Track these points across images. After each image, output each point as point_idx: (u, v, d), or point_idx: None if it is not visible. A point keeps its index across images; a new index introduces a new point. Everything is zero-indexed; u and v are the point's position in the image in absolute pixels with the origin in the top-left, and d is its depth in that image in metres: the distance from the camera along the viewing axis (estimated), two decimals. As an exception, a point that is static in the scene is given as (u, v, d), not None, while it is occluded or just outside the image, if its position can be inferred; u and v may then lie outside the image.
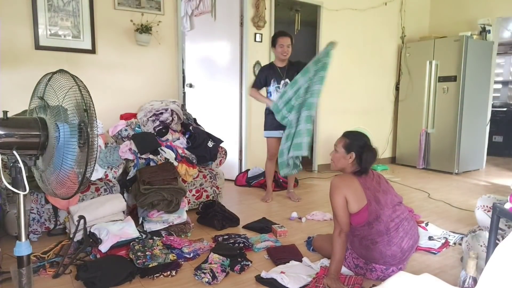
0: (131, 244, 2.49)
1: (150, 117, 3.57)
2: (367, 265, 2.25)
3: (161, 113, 3.62)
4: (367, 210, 2.18)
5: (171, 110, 3.66)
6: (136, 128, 3.53)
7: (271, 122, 3.88)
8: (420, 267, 2.45)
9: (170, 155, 3.46)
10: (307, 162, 6.15)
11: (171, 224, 2.90)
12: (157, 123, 3.59)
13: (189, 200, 3.51)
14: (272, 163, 4.05)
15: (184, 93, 4.87)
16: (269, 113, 3.90)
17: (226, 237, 2.84)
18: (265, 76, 3.91)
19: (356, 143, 2.28)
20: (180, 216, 2.94)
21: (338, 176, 2.27)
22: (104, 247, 2.42)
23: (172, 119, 3.67)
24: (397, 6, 6.19)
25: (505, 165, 6.47)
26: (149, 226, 2.87)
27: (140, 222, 2.94)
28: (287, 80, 3.85)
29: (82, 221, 2.52)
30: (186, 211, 3.07)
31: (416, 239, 2.31)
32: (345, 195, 2.18)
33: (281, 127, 3.81)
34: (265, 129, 3.99)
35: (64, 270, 2.29)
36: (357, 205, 2.18)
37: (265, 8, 4.90)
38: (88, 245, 2.48)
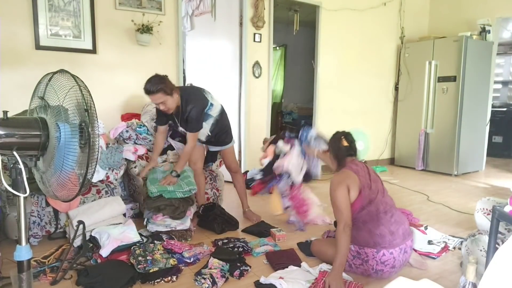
0: (132, 248, 2.50)
1: None
2: (360, 255, 2.32)
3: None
4: (361, 196, 2.34)
5: None
6: (137, 128, 3.53)
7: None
8: (419, 272, 2.46)
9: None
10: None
11: (173, 228, 2.90)
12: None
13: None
14: (197, 174, 3.36)
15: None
16: None
17: (225, 241, 2.86)
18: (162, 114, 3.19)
19: (331, 138, 2.67)
20: (184, 223, 2.94)
21: (336, 174, 2.48)
22: (105, 252, 2.42)
23: None
24: (396, 6, 6.18)
25: (505, 166, 6.49)
26: (152, 227, 2.90)
27: (145, 222, 2.96)
28: (183, 129, 3.20)
29: (81, 226, 2.52)
30: (190, 219, 3.05)
31: (407, 229, 2.42)
32: (347, 185, 2.33)
33: (205, 143, 3.41)
34: None
35: (62, 276, 2.28)
36: (355, 193, 2.34)
37: (264, 8, 4.89)
38: (86, 252, 2.48)
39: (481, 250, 2.26)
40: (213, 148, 3.46)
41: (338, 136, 2.60)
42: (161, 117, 3.22)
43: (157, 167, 3.26)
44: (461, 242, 2.79)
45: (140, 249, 2.46)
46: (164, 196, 2.92)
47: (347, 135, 2.60)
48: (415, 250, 2.68)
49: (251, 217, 3.48)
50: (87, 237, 2.59)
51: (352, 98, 5.93)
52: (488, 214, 2.33)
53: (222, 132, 3.33)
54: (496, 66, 6.79)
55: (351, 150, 2.57)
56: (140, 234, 2.75)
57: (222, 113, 3.32)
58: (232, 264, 2.43)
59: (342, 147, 2.55)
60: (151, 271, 2.27)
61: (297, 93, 8.99)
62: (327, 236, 2.97)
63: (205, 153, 3.59)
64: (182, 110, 3.06)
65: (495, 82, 6.99)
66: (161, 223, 2.89)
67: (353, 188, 2.34)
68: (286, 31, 7.60)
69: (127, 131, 3.51)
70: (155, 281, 2.25)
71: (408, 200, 4.19)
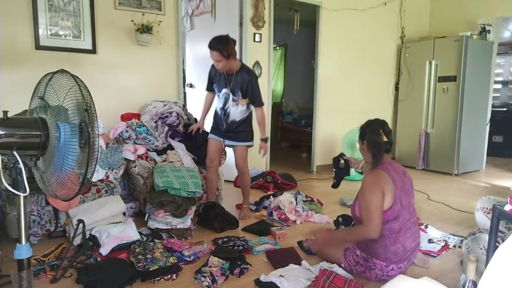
0: (132, 247, 2.50)
1: (157, 121, 3.58)
2: (367, 262, 2.25)
3: (166, 116, 3.63)
4: (391, 210, 2.16)
5: (177, 113, 3.69)
6: (137, 128, 3.54)
7: (215, 126, 3.50)
8: (420, 271, 2.46)
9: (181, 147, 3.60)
10: (305, 163, 6.16)
11: (173, 227, 2.90)
12: (167, 128, 3.64)
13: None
14: (211, 172, 3.51)
15: (184, 93, 4.86)
16: (215, 116, 3.51)
17: (225, 239, 2.86)
18: (211, 77, 3.43)
19: (366, 129, 2.36)
20: (184, 222, 2.94)
21: (371, 173, 2.24)
22: (104, 250, 2.43)
23: (179, 122, 3.69)
24: (396, 6, 6.18)
25: (505, 166, 6.48)
26: (152, 223, 2.90)
27: (146, 218, 2.97)
28: (229, 92, 3.31)
29: (81, 225, 2.52)
30: (191, 218, 3.06)
31: (418, 242, 2.36)
32: (383, 190, 2.11)
33: (223, 136, 3.45)
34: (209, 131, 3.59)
35: (62, 274, 2.29)
36: (388, 203, 2.14)
37: (264, 8, 4.89)
38: (86, 251, 2.49)
39: (481, 249, 2.26)
40: (228, 142, 3.48)
41: (376, 128, 2.30)
42: (210, 82, 3.45)
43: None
44: (462, 241, 2.79)
45: (140, 248, 2.47)
46: (168, 192, 2.94)
47: (384, 126, 2.31)
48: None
49: (240, 212, 3.55)
50: (87, 236, 2.60)
51: (353, 98, 5.92)
52: (488, 213, 2.32)
53: (244, 129, 3.43)
54: (496, 66, 6.80)
55: (389, 145, 2.30)
56: (140, 233, 2.75)
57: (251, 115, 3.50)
58: (232, 262, 2.43)
59: (382, 143, 2.26)
60: (151, 269, 2.27)
61: (297, 93, 8.98)
62: None
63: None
64: (241, 76, 3.24)
65: (495, 82, 6.99)
66: (162, 220, 2.90)
67: (388, 195, 2.12)
68: (286, 31, 7.59)
69: (127, 131, 3.52)
70: (155, 279, 2.25)
71: (409, 200, 4.18)
